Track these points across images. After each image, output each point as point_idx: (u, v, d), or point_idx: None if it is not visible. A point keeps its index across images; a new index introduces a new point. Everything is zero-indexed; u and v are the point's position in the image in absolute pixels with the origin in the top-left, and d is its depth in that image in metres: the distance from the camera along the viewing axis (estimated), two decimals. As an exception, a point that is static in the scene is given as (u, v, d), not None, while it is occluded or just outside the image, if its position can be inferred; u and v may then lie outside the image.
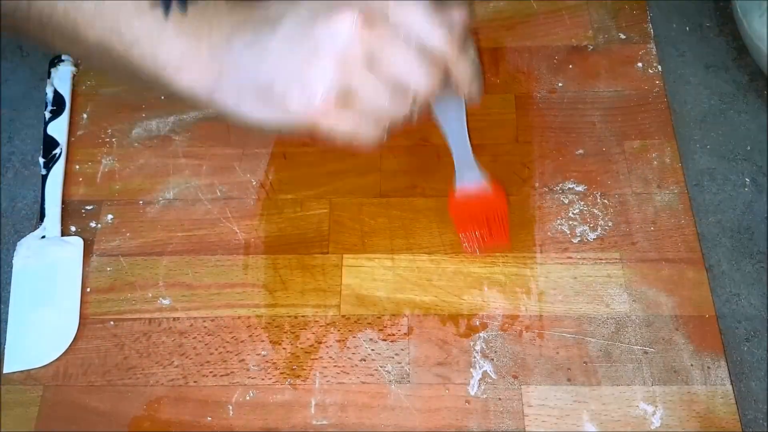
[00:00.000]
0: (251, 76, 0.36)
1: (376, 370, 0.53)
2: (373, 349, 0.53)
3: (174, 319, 0.55)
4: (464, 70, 0.40)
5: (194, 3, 0.36)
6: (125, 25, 0.36)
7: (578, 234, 0.57)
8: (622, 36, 0.66)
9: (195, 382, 0.53)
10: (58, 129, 0.63)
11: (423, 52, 0.35)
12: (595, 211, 0.58)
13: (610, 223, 0.58)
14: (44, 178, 0.61)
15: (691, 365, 0.52)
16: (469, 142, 0.53)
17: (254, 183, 0.61)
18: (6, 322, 0.56)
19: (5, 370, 0.54)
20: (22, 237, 0.59)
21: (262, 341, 0.54)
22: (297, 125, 0.36)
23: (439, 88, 0.38)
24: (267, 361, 0.53)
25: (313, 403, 0.52)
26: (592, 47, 0.66)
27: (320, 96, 0.34)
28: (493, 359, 0.53)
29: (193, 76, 0.38)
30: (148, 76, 0.38)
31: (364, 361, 0.53)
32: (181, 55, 0.37)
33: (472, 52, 0.39)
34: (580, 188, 0.59)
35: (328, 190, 0.60)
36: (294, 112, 0.35)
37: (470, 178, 0.55)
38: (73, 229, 0.59)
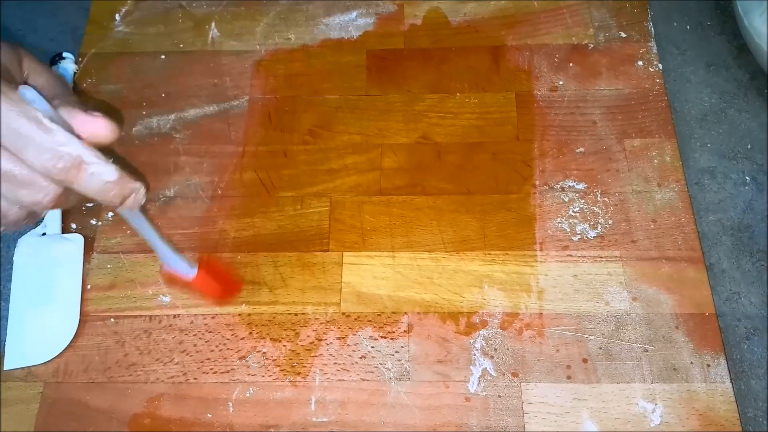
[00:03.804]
0: None
1: (376, 367, 0.53)
2: (373, 347, 0.53)
3: (174, 316, 0.55)
4: (90, 188, 0.34)
5: None
6: None
7: (578, 232, 0.57)
8: (623, 34, 0.66)
9: (195, 379, 0.53)
10: (59, 126, 0.63)
11: (23, 162, 0.33)
12: (596, 210, 0.58)
13: (610, 221, 0.58)
14: (45, 175, 0.61)
15: (691, 363, 0.52)
16: (162, 242, 0.46)
17: (255, 181, 0.61)
18: (7, 319, 0.56)
19: (6, 367, 0.54)
20: (23, 234, 0.59)
21: (263, 338, 0.54)
22: None
23: (62, 198, 0.35)
24: (267, 359, 0.53)
25: (313, 400, 0.52)
26: (592, 46, 0.66)
27: None
28: (493, 357, 0.53)
29: None
30: None
31: (364, 358, 0.53)
32: None
33: (99, 173, 0.34)
34: (580, 186, 0.59)
35: (329, 188, 0.60)
36: None
37: (177, 267, 0.49)
38: (73, 226, 0.59)
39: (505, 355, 0.53)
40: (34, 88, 0.34)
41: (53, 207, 0.35)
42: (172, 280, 0.52)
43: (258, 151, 0.62)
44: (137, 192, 0.37)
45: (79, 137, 0.34)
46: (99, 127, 0.35)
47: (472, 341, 0.53)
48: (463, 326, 0.54)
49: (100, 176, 0.34)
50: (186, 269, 0.49)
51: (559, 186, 0.59)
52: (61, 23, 0.72)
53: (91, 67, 0.67)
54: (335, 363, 0.53)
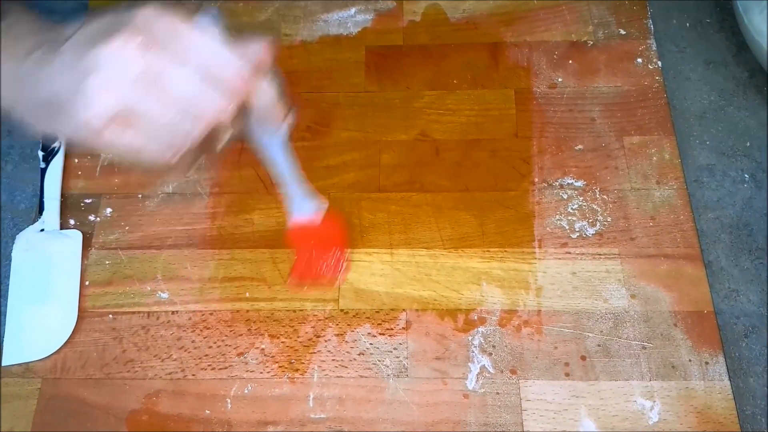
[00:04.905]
0: (36, 90, 0.38)
1: (375, 364, 0.53)
2: (371, 344, 0.53)
3: (172, 312, 0.55)
4: (263, 99, 0.40)
5: (5, 20, 0.39)
6: None
7: (577, 229, 0.57)
8: (622, 32, 0.66)
9: (193, 375, 0.53)
10: (57, 122, 0.63)
11: (210, 78, 0.36)
12: (594, 207, 0.58)
13: (608, 219, 0.58)
14: (43, 171, 0.61)
15: (690, 361, 0.52)
16: (297, 172, 0.49)
17: (253, 177, 0.61)
18: (5, 315, 0.56)
19: (4, 363, 0.54)
20: (21, 230, 0.59)
21: (261, 335, 0.54)
22: (80, 139, 0.37)
23: (236, 118, 0.38)
24: (265, 355, 0.53)
25: (311, 396, 0.52)
26: (591, 43, 0.66)
27: (97, 112, 0.35)
28: (491, 354, 0.53)
29: (3, 91, 0.40)
30: None
31: (363, 355, 0.53)
32: None
33: (270, 86, 0.40)
34: (579, 184, 0.59)
35: (327, 185, 0.60)
36: (74, 127, 0.36)
37: (305, 209, 0.52)
38: (72, 222, 0.59)
39: (503, 352, 0.53)
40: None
41: (226, 124, 0.38)
42: (297, 236, 0.54)
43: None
44: (293, 110, 0.43)
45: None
46: (260, 51, 0.38)
47: (470, 338, 0.53)
48: (461, 323, 0.54)
49: (270, 90, 0.40)
50: (315, 207, 0.52)
51: (557, 183, 0.59)
52: (58, 20, 0.72)
53: None
54: (333, 360, 0.53)
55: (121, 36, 0.34)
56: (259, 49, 0.38)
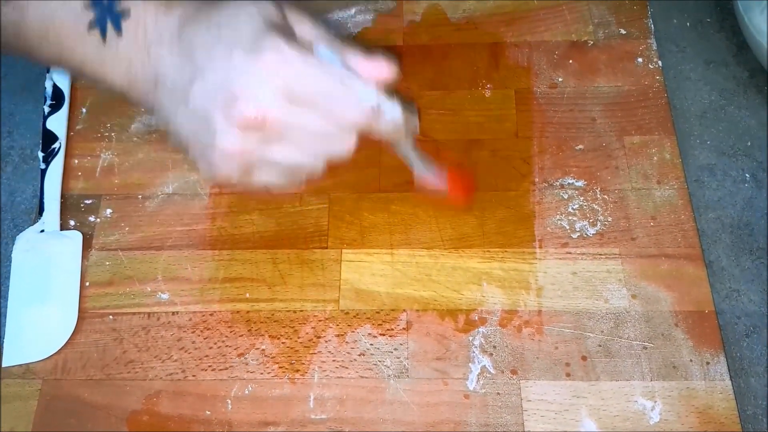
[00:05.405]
0: (180, 94, 0.37)
1: (375, 364, 0.53)
2: (371, 344, 0.53)
3: (173, 313, 0.55)
4: (385, 130, 0.40)
5: (127, 19, 0.37)
6: (68, 50, 0.38)
7: (578, 229, 0.57)
8: (623, 31, 0.66)
9: (194, 376, 0.53)
10: (58, 123, 0.63)
11: (339, 121, 0.37)
12: (595, 207, 0.58)
13: (609, 219, 0.57)
14: (43, 172, 0.61)
15: (691, 361, 0.52)
16: (420, 160, 0.51)
17: (253, 178, 0.61)
18: (5, 316, 0.56)
19: (4, 364, 0.54)
20: (21, 231, 0.59)
21: (261, 336, 0.54)
22: (215, 170, 0.38)
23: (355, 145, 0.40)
24: (266, 356, 0.53)
25: (312, 397, 0.52)
26: (592, 43, 0.66)
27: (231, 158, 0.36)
28: (491, 354, 0.53)
29: (139, 93, 0.39)
30: (105, 88, 0.40)
31: (363, 355, 0.53)
32: (125, 74, 0.38)
33: (397, 108, 0.39)
34: (579, 183, 0.59)
35: (328, 185, 0.60)
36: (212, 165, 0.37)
37: (431, 181, 0.54)
38: (72, 223, 0.59)
39: (504, 352, 0.53)
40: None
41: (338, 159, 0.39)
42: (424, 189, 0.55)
43: (257, 148, 0.62)
44: (416, 123, 0.43)
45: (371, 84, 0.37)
46: (382, 70, 0.38)
47: (470, 338, 0.53)
48: (461, 324, 0.54)
49: (393, 117, 0.39)
50: (438, 180, 0.53)
51: (558, 183, 0.59)
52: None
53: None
54: (334, 360, 0.53)
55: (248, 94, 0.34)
56: (377, 71, 0.37)
